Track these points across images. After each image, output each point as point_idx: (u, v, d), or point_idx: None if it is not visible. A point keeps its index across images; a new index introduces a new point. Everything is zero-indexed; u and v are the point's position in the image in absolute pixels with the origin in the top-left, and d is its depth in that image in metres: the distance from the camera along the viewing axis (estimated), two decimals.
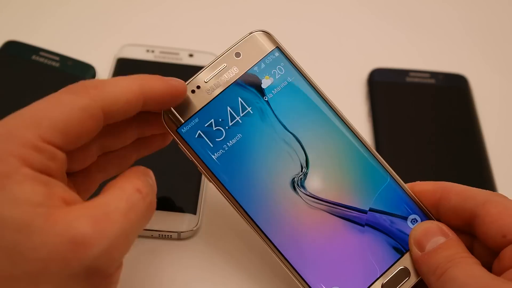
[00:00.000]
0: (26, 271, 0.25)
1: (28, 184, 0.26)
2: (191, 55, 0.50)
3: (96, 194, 0.34)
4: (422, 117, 0.49)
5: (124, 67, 0.49)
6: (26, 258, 0.25)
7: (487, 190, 0.33)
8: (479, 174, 0.46)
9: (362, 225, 0.35)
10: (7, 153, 0.26)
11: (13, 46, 0.49)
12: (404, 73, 0.52)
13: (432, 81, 0.51)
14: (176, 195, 0.42)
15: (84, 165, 0.33)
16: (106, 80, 0.30)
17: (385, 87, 0.51)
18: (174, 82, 0.33)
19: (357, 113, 0.50)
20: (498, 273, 0.31)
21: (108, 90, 0.29)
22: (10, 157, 0.26)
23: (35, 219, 0.25)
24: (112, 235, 0.26)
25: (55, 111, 0.28)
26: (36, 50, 0.49)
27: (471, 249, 0.33)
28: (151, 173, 0.32)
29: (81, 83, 0.29)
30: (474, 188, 0.34)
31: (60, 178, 0.28)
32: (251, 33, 0.36)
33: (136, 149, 0.36)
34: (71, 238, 0.25)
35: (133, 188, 0.29)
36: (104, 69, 0.50)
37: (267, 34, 0.36)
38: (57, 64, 0.48)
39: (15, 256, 0.25)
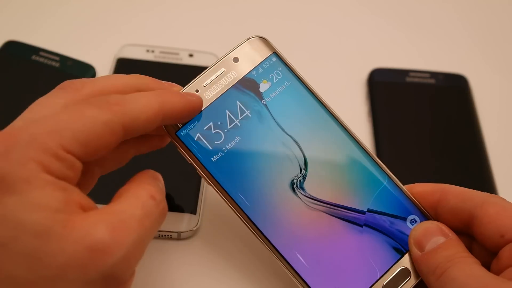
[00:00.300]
0: (43, 276, 0.25)
1: (48, 190, 0.26)
2: (191, 55, 0.50)
3: (94, 189, 0.35)
4: (422, 117, 0.49)
5: (124, 67, 0.49)
6: (44, 264, 0.25)
7: (485, 192, 0.34)
8: (479, 174, 0.46)
9: (361, 226, 0.35)
10: (28, 158, 0.26)
11: (13, 46, 0.49)
12: (404, 73, 0.52)
13: (432, 81, 0.51)
14: (176, 195, 0.43)
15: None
16: (127, 96, 0.30)
17: (385, 87, 0.51)
18: (191, 97, 0.33)
19: (357, 113, 0.50)
20: (497, 273, 0.31)
21: (130, 107, 0.30)
22: (30, 162, 0.26)
23: (54, 225, 0.25)
24: (129, 242, 0.27)
25: (78, 123, 0.28)
26: (36, 50, 0.49)
27: (469, 250, 0.33)
28: (160, 176, 0.32)
29: (104, 98, 0.30)
30: (472, 190, 0.34)
31: (75, 185, 0.29)
32: (249, 38, 0.36)
33: (134, 146, 0.36)
34: (89, 245, 0.25)
35: (147, 195, 0.29)
36: (104, 69, 0.50)
37: (264, 40, 0.37)
38: (57, 64, 0.49)
39: (33, 261, 0.25)
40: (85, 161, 0.29)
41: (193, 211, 0.42)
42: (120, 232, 0.26)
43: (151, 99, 0.31)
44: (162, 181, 0.32)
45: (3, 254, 0.25)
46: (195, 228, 0.41)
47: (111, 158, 0.35)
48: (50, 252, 0.25)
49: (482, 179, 0.46)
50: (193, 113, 0.34)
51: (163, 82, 0.35)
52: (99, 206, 0.40)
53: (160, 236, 0.41)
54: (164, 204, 0.30)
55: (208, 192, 0.43)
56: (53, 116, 0.28)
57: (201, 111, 0.35)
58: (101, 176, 0.35)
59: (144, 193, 0.29)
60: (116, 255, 0.26)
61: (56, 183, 0.27)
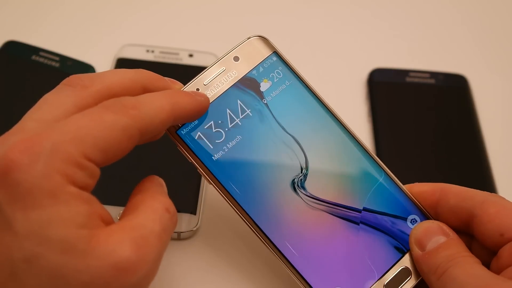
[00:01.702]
0: None
1: (73, 204, 0.26)
2: (191, 55, 0.50)
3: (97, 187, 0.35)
4: (422, 117, 0.49)
5: (124, 67, 0.48)
6: (68, 281, 0.25)
7: (485, 191, 0.34)
8: (479, 174, 0.46)
9: (362, 225, 0.35)
10: (53, 170, 0.26)
11: (13, 46, 0.49)
12: (404, 73, 0.52)
13: (432, 81, 0.51)
14: (176, 195, 0.42)
15: None
16: (141, 98, 0.30)
17: (385, 87, 0.51)
18: (200, 98, 0.33)
19: (357, 113, 0.50)
20: (497, 272, 0.31)
21: (145, 111, 0.29)
22: (55, 175, 0.26)
23: (79, 242, 0.25)
24: (151, 259, 0.27)
25: (98, 129, 0.27)
26: (36, 50, 0.49)
27: (469, 249, 0.33)
28: (164, 183, 0.32)
29: (119, 101, 0.29)
30: (472, 189, 0.34)
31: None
32: (249, 38, 0.36)
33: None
34: (114, 263, 0.26)
35: (163, 208, 0.29)
36: (104, 69, 0.50)
37: (264, 39, 0.37)
38: (57, 64, 0.49)
39: (57, 278, 0.25)
40: (102, 166, 0.29)
41: (193, 211, 0.41)
42: (143, 249, 0.27)
43: (164, 101, 0.30)
44: (165, 187, 0.32)
45: (28, 271, 0.25)
46: (195, 228, 0.41)
47: None
48: (75, 269, 0.25)
49: (482, 179, 0.46)
50: (201, 113, 0.34)
51: (165, 78, 0.35)
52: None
53: None
54: (176, 216, 0.31)
55: (208, 192, 0.43)
56: (72, 121, 0.28)
57: None
58: (102, 176, 0.35)
59: (160, 206, 0.29)
60: (140, 273, 0.26)
61: (80, 195, 0.27)
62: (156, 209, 0.29)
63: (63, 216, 0.26)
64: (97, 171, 0.28)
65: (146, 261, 0.27)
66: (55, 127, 0.27)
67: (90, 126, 0.27)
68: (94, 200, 0.28)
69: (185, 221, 0.41)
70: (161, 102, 0.30)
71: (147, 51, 0.50)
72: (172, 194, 0.42)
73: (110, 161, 0.29)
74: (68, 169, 0.26)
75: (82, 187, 0.27)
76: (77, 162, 0.27)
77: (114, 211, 0.40)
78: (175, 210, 0.30)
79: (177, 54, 0.50)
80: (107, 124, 0.28)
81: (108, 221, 0.28)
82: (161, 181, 0.32)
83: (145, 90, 0.31)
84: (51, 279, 0.25)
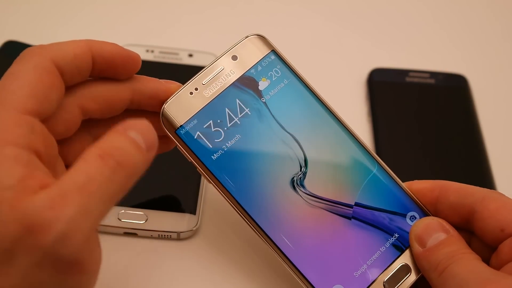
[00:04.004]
0: None
1: (5, 167, 0.26)
2: (190, 55, 0.50)
3: None
4: (422, 117, 0.49)
5: None
6: None
7: (485, 188, 0.34)
8: (479, 174, 0.46)
9: (362, 223, 0.35)
10: None
11: (13, 46, 0.49)
12: (404, 73, 0.52)
13: (432, 81, 0.51)
14: (176, 195, 0.43)
15: (68, 129, 0.32)
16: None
17: (385, 87, 0.51)
18: (128, 50, 0.34)
19: (357, 113, 0.50)
20: (497, 268, 0.31)
21: (55, 47, 0.30)
22: None
23: (1, 205, 0.25)
24: (68, 216, 0.25)
25: (18, 81, 0.28)
26: None
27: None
28: (140, 124, 0.28)
29: (28, 49, 0.30)
30: (472, 186, 0.34)
31: (44, 153, 0.28)
32: (247, 36, 0.36)
33: None
34: (27, 224, 0.24)
35: (95, 156, 0.26)
36: None
37: (262, 37, 0.37)
38: None
39: None
40: (43, 116, 0.28)
41: (193, 211, 0.41)
42: (58, 206, 0.25)
43: (78, 40, 0.32)
44: (144, 128, 0.28)
45: None
46: (194, 228, 0.41)
47: None
48: None
49: (482, 179, 0.46)
50: (129, 62, 0.33)
51: (161, 81, 0.35)
52: None
53: (160, 236, 0.40)
54: (120, 158, 0.27)
55: (207, 192, 0.43)
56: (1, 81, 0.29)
57: (201, 109, 0.35)
58: None
59: (91, 154, 0.27)
60: (54, 232, 0.24)
61: (18, 157, 0.26)
62: (86, 159, 0.26)
63: None
64: (37, 124, 0.28)
65: (60, 218, 0.24)
66: None
67: (11, 82, 0.28)
68: (38, 166, 0.27)
69: (185, 221, 0.41)
70: (74, 41, 0.31)
71: (147, 51, 0.50)
72: (172, 194, 0.42)
73: (47, 104, 0.28)
74: (5, 129, 0.26)
75: (25, 145, 0.27)
76: (13, 120, 0.27)
77: (114, 211, 0.41)
78: (117, 153, 0.27)
79: (176, 54, 0.50)
80: (20, 71, 0.29)
81: (47, 186, 0.26)
82: (131, 123, 0.28)
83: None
84: None
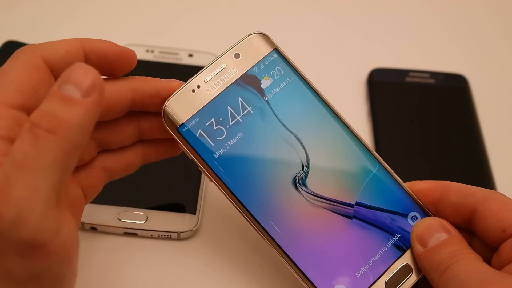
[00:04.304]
0: None
1: None
2: (190, 55, 0.50)
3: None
4: (422, 117, 0.49)
5: None
6: None
7: (487, 189, 0.34)
8: (479, 174, 0.46)
9: (363, 223, 0.35)
10: None
11: (13, 46, 0.49)
12: (404, 73, 0.52)
13: (432, 81, 0.51)
14: (176, 195, 0.42)
15: (82, 158, 0.33)
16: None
17: (385, 87, 0.51)
18: (122, 46, 0.33)
19: (357, 113, 0.50)
20: (498, 268, 0.31)
21: (46, 45, 0.30)
22: None
23: None
24: (15, 199, 0.24)
25: (6, 76, 0.29)
26: None
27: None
28: (71, 70, 0.26)
29: (20, 48, 0.30)
30: (473, 186, 0.34)
31: None
32: (250, 35, 0.36)
33: (141, 153, 0.36)
34: None
35: (25, 129, 0.25)
36: None
37: (265, 36, 0.36)
38: None
39: None
40: (31, 109, 0.28)
41: (193, 211, 0.41)
42: (3, 190, 0.24)
43: (72, 38, 0.32)
44: (75, 72, 0.26)
45: None
46: (194, 228, 0.41)
47: (116, 164, 0.35)
48: None
49: (482, 179, 0.46)
50: (123, 58, 0.33)
51: (163, 80, 0.35)
52: (99, 206, 0.40)
53: (160, 236, 0.40)
54: (50, 125, 0.25)
55: (208, 192, 0.43)
56: None
57: (203, 107, 0.35)
58: None
59: (24, 129, 0.25)
60: (6, 217, 0.24)
61: None
62: (20, 136, 0.26)
63: None
64: (24, 118, 0.28)
65: (9, 201, 0.24)
66: None
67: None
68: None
69: (185, 221, 0.41)
70: (66, 39, 0.31)
71: (147, 51, 0.50)
72: (172, 194, 0.42)
73: (37, 102, 0.28)
74: None
75: (6, 138, 0.27)
76: None
77: (114, 211, 0.40)
78: (53, 117, 0.25)
79: (176, 54, 0.50)
80: (8, 67, 0.29)
81: None
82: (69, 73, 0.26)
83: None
84: None
